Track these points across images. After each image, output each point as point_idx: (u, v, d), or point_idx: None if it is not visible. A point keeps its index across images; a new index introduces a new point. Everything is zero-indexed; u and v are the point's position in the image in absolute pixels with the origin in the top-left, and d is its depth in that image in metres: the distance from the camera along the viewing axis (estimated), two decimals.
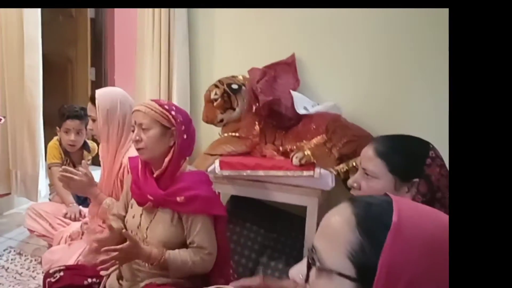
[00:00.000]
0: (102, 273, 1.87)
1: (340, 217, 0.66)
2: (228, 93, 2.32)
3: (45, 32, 2.96)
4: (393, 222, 0.61)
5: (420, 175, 1.16)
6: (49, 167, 2.65)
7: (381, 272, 0.59)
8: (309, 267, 0.67)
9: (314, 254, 0.66)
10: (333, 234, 0.65)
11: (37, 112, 2.95)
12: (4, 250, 2.57)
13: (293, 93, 2.28)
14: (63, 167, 2.01)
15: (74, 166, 2.51)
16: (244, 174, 2.18)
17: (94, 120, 2.10)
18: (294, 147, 2.18)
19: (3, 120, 2.63)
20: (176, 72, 2.68)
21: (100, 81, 3.52)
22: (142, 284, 1.71)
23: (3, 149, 3.02)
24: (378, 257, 0.60)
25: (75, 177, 1.97)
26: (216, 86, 2.36)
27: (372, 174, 1.21)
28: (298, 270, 0.70)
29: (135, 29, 2.81)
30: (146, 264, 1.70)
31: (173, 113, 1.68)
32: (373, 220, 0.63)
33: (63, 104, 2.71)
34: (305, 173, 2.08)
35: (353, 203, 0.67)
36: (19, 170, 3.02)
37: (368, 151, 1.23)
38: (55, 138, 2.70)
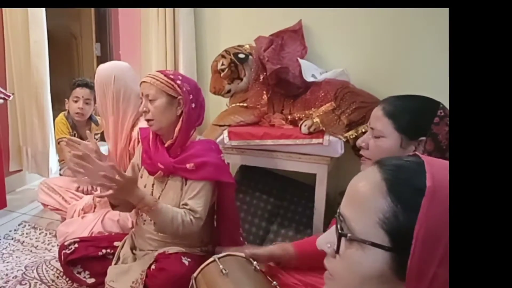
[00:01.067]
0: (116, 243, 1.94)
1: (369, 183, 0.62)
2: (235, 63, 2.32)
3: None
4: (427, 187, 0.57)
5: (427, 134, 1.17)
6: (57, 142, 2.67)
7: (417, 240, 0.56)
8: (339, 237, 0.63)
9: (343, 223, 0.63)
10: (362, 201, 0.61)
11: (44, 88, 2.97)
12: (18, 225, 2.63)
13: (301, 61, 2.27)
14: (68, 137, 2.01)
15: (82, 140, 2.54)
16: (253, 144, 2.19)
17: None
18: (303, 115, 2.18)
19: (11, 97, 2.65)
20: (182, 44, 2.67)
21: (105, 56, 3.52)
22: (155, 253, 1.75)
23: (13, 126, 3.06)
24: (413, 223, 0.56)
25: (79, 152, 1.97)
26: (222, 56, 2.36)
27: (379, 134, 1.23)
28: (325, 239, 0.67)
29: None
30: (159, 234, 1.75)
31: (178, 82, 1.68)
32: (404, 184, 0.59)
33: (75, 78, 2.73)
34: (314, 140, 2.08)
35: (382, 167, 0.63)
36: (30, 147, 3.07)
37: (377, 111, 1.25)
38: (62, 113, 2.72)
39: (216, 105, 2.53)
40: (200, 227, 1.70)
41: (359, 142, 1.30)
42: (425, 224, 0.56)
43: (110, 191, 1.54)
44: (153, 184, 1.79)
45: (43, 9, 2.88)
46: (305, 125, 2.10)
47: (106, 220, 2.20)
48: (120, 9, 3.40)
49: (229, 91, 2.37)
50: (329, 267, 0.66)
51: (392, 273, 0.59)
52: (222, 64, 2.33)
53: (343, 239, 0.63)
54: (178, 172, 1.72)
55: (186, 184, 1.72)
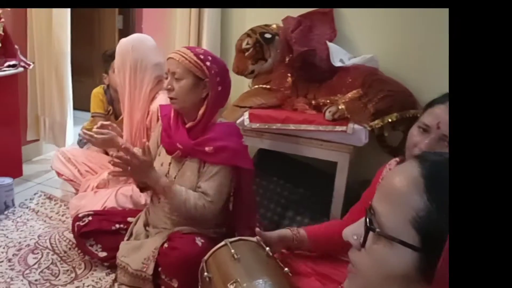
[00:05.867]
0: (129, 219, 2.00)
1: (407, 179, 0.60)
2: (260, 43, 2.31)
3: None
4: None
5: None
6: (92, 116, 2.69)
7: None
8: (366, 231, 0.62)
9: (373, 217, 0.62)
10: (397, 197, 0.60)
11: (65, 59, 3.01)
12: (34, 194, 2.70)
13: (329, 44, 2.25)
14: (100, 123, 2.07)
15: (116, 118, 2.59)
16: (274, 127, 2.19)
17: None
18: (328, 101, 2.17)
19: (32, 65, 2.70)
20: (206, 20, 2.66)
21: (127, 30, 3.54)
22: (169, 231, 1.80)
23: (32, 95, 3.12)
24: (447, 225, 0.54)
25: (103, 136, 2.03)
26: (248, 35, 2.34)
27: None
28: (352, 231, 0.66)
29: None
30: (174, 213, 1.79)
31: (208, 63, 1.69)
32: (444, 185, 0.56)
33: (106, 50, 2.72)
34: (338, 128, 2.08)
35: (422, 163, 0.61)
36: (48, 117, 3.14)
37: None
38: (101, 86, 2.71)
39: (238, 85, 2.52)
40: (214, 212, 1.72)
41: (412, 146, 1.23)
42: None
43: (123, 171, 1.63)
44: (170, 163, 1.81)
45: None
46: (329, 111, 2.10)
47: (119, 195, 2.24)
48: None
49: (252, 72, 2.36)
50: (353, 259, 0.66)
51: (418, 274, 0.58)
52: (247, 44, 2.32)
53: (371, 233, 0.62)
54: (197, 155, 1.75)
55: (203, 167, 1.75)
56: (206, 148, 1.71)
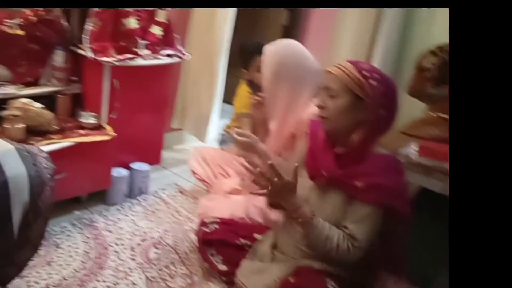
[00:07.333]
0: (256, 235, 1.93)
1: None
2: (446, 64, 2.02)
3: None
4: None
5: None
6: (237, 116, 2.66)
7: None
8: None
9: None
10: None
11: (222, 52, 3.03)
12: (168, 185, 2.77)
13: None
14: (237, 131, 2.00)
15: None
16: (446, 166, 1.88)
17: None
18: None
19: (188, 56, 2.76)
20: (383, 26, 2.44)
21: (292, 27, 3.42)
22: (297, 263, 1.68)
23: (184, 85, 3.20)
24: None
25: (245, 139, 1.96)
26: (433, 53, 2.09)
27: None
28: None
29: None
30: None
31: (372, 81, 1.51)
32: None
33: (246, 40, 2.62)
34: None
35: None
36: (194, 109, 3.19)
37: None
38: (246, 83, 2.65)
39: (408, 108, 2.23)
40: (358, 257, 1.57)
41: None
42: None
43: (263, 191, 1.57)
44: (310, 189, 1.67)
45: None
46: None
47: (250, 206, 2.18)
48: None
49: (431, 96, 2.11)
50: None
51: None
52: (431, 63, 2.07)
53: None
54: (344, 187, 1.59)
55: (350, 203, 1.58)
56: (357, 183, 1.53)
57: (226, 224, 1.99)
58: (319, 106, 1.60)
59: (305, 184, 1.68)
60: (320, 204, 1.63)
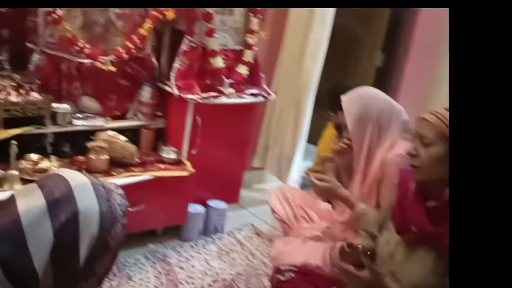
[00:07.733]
0: None
1: None
2: None
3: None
4: None
5: None
6: (321, 160, 2.55)
7: None
8: None
9: None
10: None
11: (310, 91, 2.97)
12: (244, 225, 2.70)
13: None
14: (316, 175, 1.94)
15: None
16: None
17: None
18: None
19: (273, 96, 2.73)
20: None
21: (387, 69, 3.28)
22: None
23: (268, 124, 3.16)
24: None
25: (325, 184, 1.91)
26: None
27: None
28: None
29: (443, 11, 2.43)
30: None
31: None
32: None
33: (337, 83, 2.54)
34: None
35: None
36: (277, 148, 3.13)
37: None
38: (333, 126, 2.55)
39: None
40: None
41: None
42: None
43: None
44: (396, 244, 1.51)
45: (333, 8, 2.86)
46: None
47: (328, 255, 1.98)
48: (419, 16, 3.12)
49: None
50: None
51: None
52: None
53: None
54: (437, 246, 1.41)
55: (441, 262, 1.39)
56: None
57: (303, 273, 1.87)
58: (411, 154, 1.46)
59: (392, 238, 1.54)
60: (409, 263, 1.47)
